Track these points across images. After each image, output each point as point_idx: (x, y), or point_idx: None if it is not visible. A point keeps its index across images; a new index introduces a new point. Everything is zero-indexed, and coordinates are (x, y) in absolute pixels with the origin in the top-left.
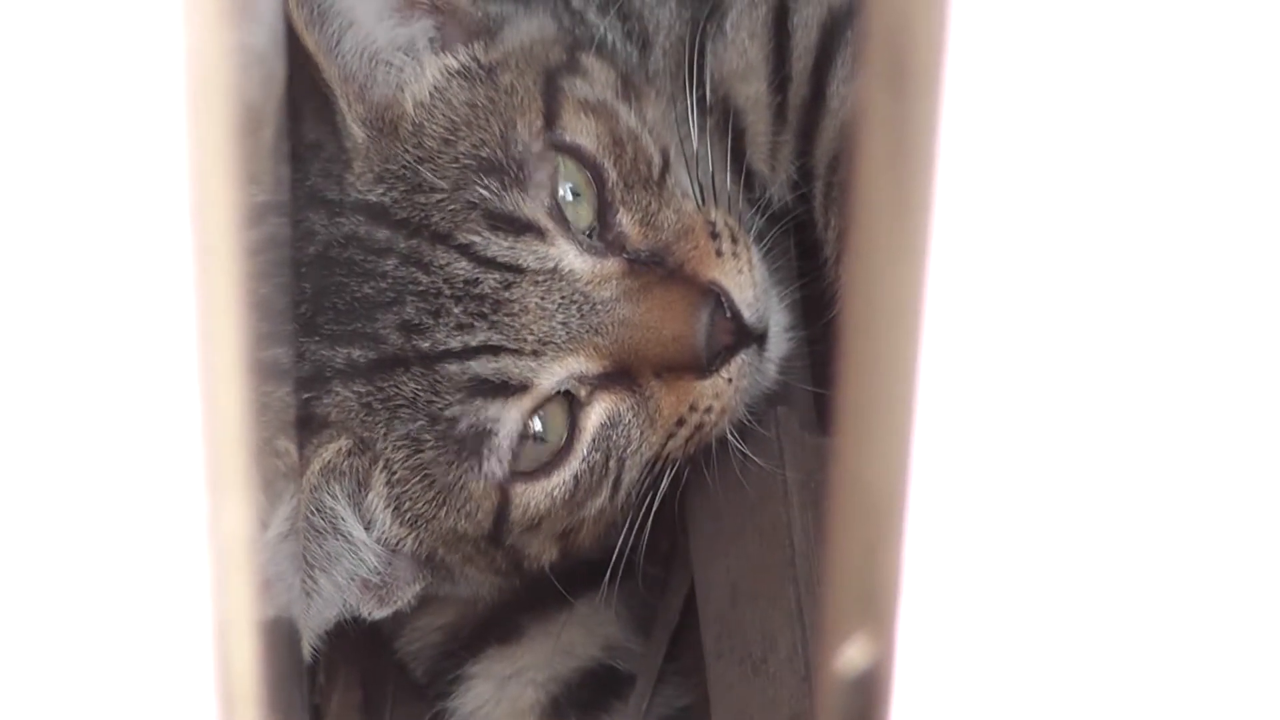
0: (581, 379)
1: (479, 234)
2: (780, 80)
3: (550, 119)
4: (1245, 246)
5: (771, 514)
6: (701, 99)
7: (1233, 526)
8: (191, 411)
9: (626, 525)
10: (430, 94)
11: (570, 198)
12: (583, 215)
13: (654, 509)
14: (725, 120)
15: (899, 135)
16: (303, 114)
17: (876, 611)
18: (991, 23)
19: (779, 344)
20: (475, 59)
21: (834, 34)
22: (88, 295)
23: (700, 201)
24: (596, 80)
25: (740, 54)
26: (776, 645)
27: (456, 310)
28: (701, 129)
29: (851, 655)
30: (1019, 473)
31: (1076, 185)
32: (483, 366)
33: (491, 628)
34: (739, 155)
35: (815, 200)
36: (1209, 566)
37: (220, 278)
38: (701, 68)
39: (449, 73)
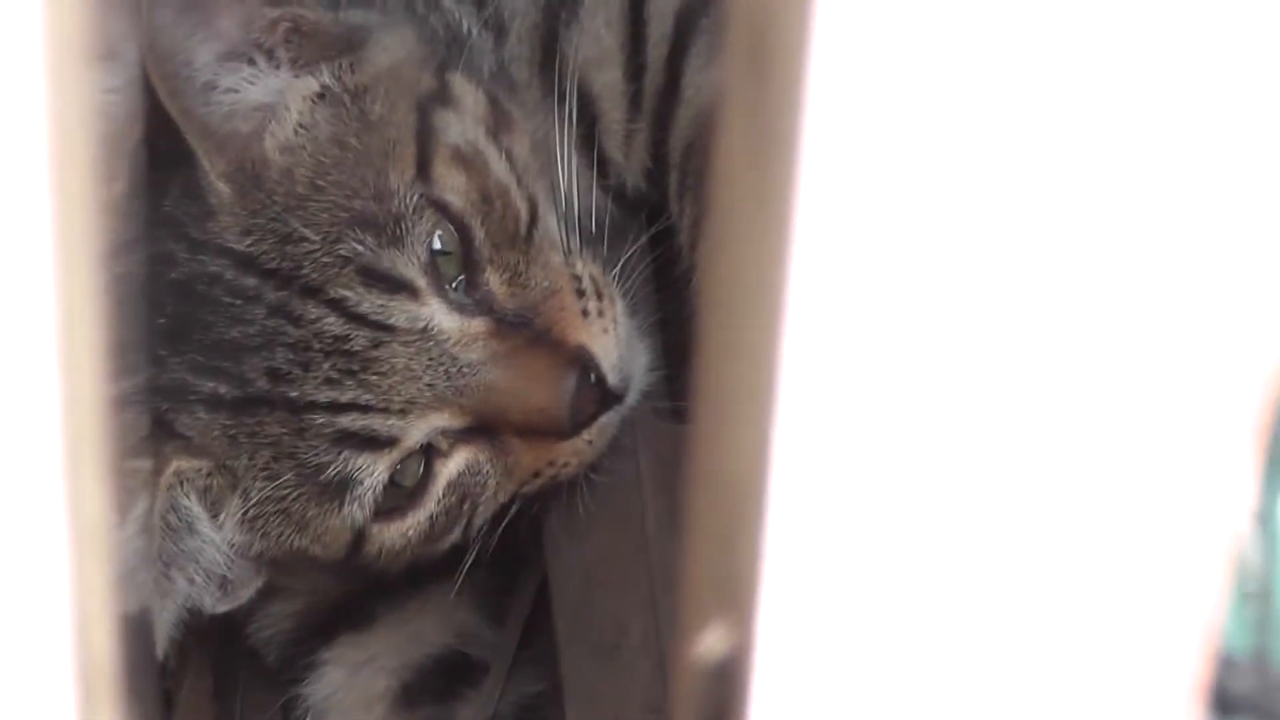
0: (444, 433)
1: (352, 289)
2: (636, 68)
3: (422, 168)
4: (1102, 219)
5: (624, 501)
6: (560, 87)
7: (1084, 507)
8: (52, 398)
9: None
10: (295, 132)
11: (440, 248)
12: (451, 268)
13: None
14: (581, 108)
15: (760, 119)
16: (156, 123)
17: (735, 599)
18: (856, 6)
19: (640, 388)
20: (339, 79)
21: (689, 22)
22: None
23: (567, 250)
24: (467, 112)
25: (595, 41)
26: (629, 632)
27: (325, 365)
28: (567, 136)
29: (710, 643)
30: (881, 459)
31: (946, 166)
32: (350, 422)
33: (343, 615)
34: (593, 143)
35: (670, 188)
36: (1070, 549)
37: (79, 308)
38: (556, 54)
39: (312, 98)
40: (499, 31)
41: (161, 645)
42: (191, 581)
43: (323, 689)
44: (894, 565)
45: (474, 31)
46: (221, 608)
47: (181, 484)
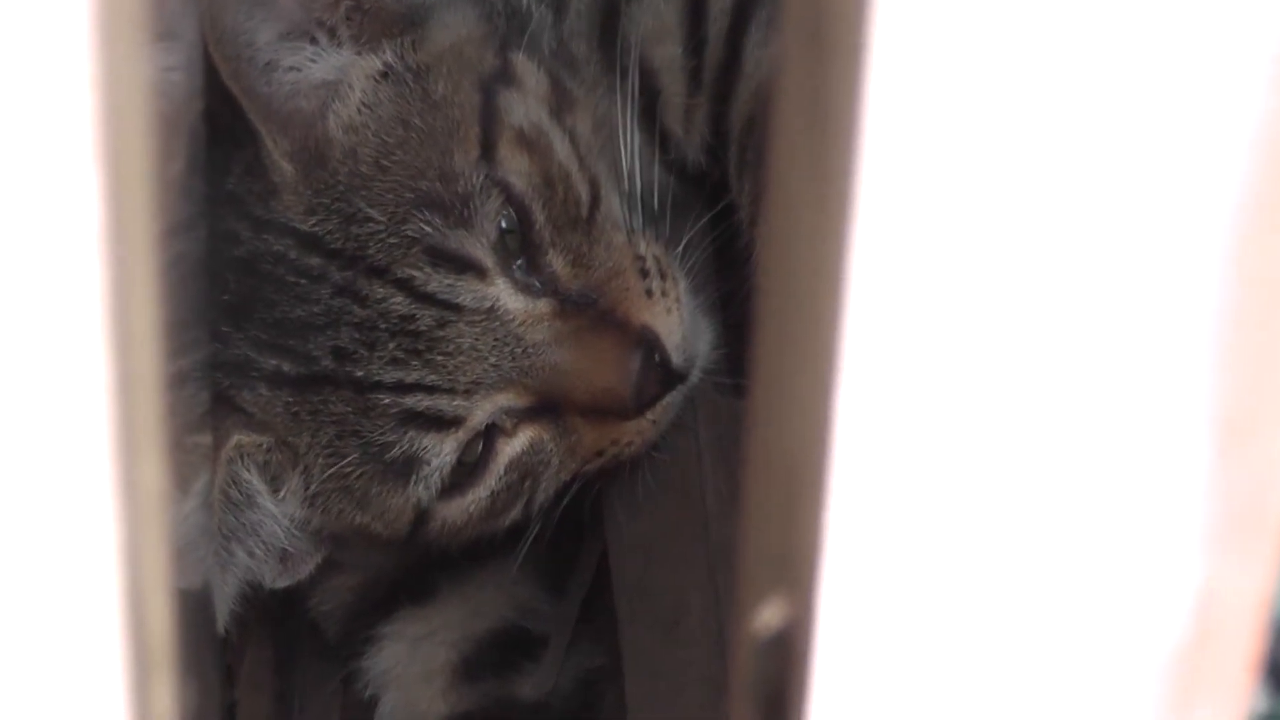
0: (509, 412)
1: (420, 269)
2: (696, 43)
3: (487, 148)
4: (1165, 211)
5: (684, 476)
6: (622, 65)
7: (1138, 494)
8: (104, 375)
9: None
10: (358, 111)
11: (506, 228)
12: (513, 249)
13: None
14: (642, 82)
15: (819, 96)
16: (217, 110)
17: (794, 574)
18: None
19: (703, 365)
20: (401, 58)
21: None
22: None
23: (630, 230)
24: (530, 92)
25: (656, 16)
26: (689, 608)
27: (391, 345)
28: (624, 96)
29: (766, 618)
30: (940, 433)
31: (1006, 144)
32: (416, 402)
33: (404, 588)
34: (654, 117)
35: (730, 163)
36: (1127, 524)
37: (135, 287)
38: (615, 30)
39: (375, 77)
40: (558, 8)
41: (222, 619)
42: (252, 555)
43: (383, 662)
44: (952, 540)
45: (534, 8)
46: (282, 582)
47: (242, 458)
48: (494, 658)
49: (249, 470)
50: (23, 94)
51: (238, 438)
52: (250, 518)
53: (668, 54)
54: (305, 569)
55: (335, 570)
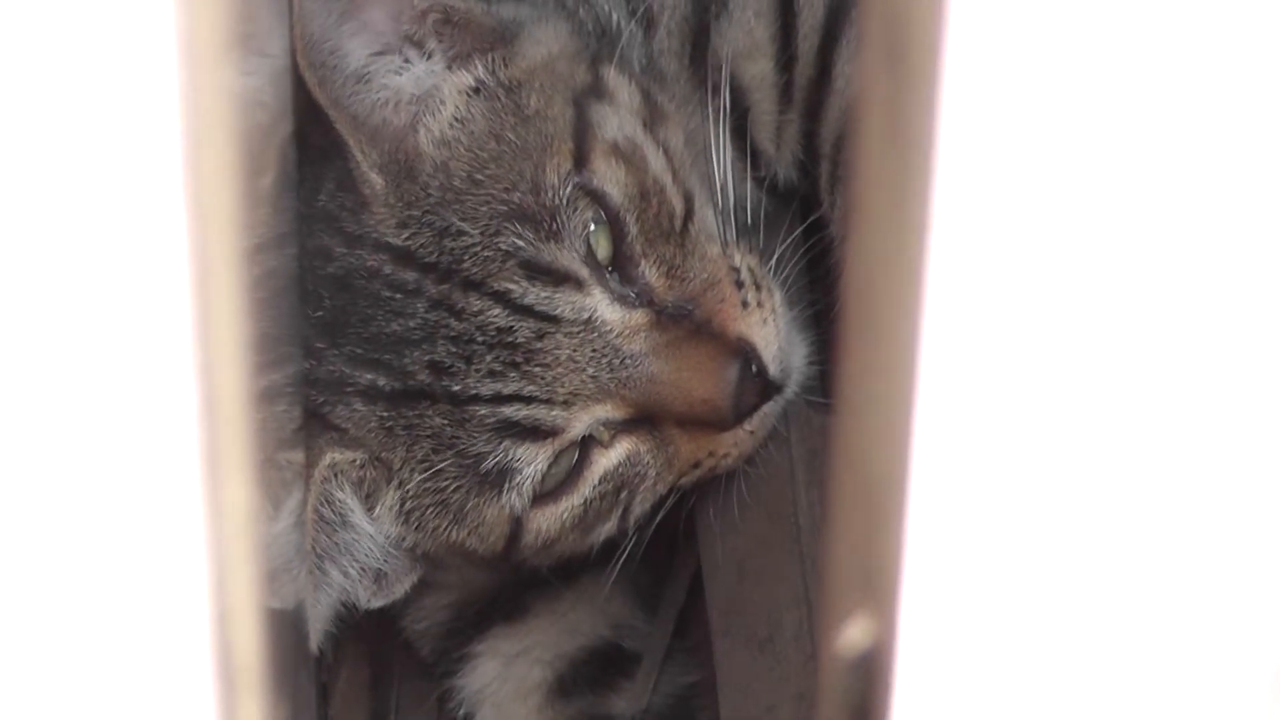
0: (606, 424)
1: (515, 282)
2: (786, 59)
3: (580, 160)
4: (1251, 224)
5: (777, 493)
6: (713, 82)
7: (1230, 512)
8: (190, 398)
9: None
10: (450, 125)
11: (593, 228)
12: (603, 248)
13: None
14: (732, 99)
15: (898, 114)
16: (307, 118)
17: (877, 590)
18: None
19: (799, 379)
20: (494, 74)
21: (840, 13)
22: (85, 311)
23: (724, 242)
24: (622, 106)
25: (746, 33)
26: (782, 624)
27: (489, 358)
28: (714, 113)
29: (852, 635)
30: (1021, 450)
31: (1076, 160)
32: (514, 413)
33: (498, 606)
34: (744, 134)
35: (821, 180)
36: (1217, 550)
37: (218, 305)
38: (705, 47)
39: (467, 93)
40: (648, 25)
41: (316, 639)
42: (346, 575)
43: (477, 680)
44: (1032, 557)
45: (623, 25)
46: (377, 602)
47: (336, 476)
48: (588, 675)
49: (342, 489)
50: (108, 107)
51: (331, 456)
52: (344, 537)
53: (758, 71)
54: (400, 588)
55: (429, 589)
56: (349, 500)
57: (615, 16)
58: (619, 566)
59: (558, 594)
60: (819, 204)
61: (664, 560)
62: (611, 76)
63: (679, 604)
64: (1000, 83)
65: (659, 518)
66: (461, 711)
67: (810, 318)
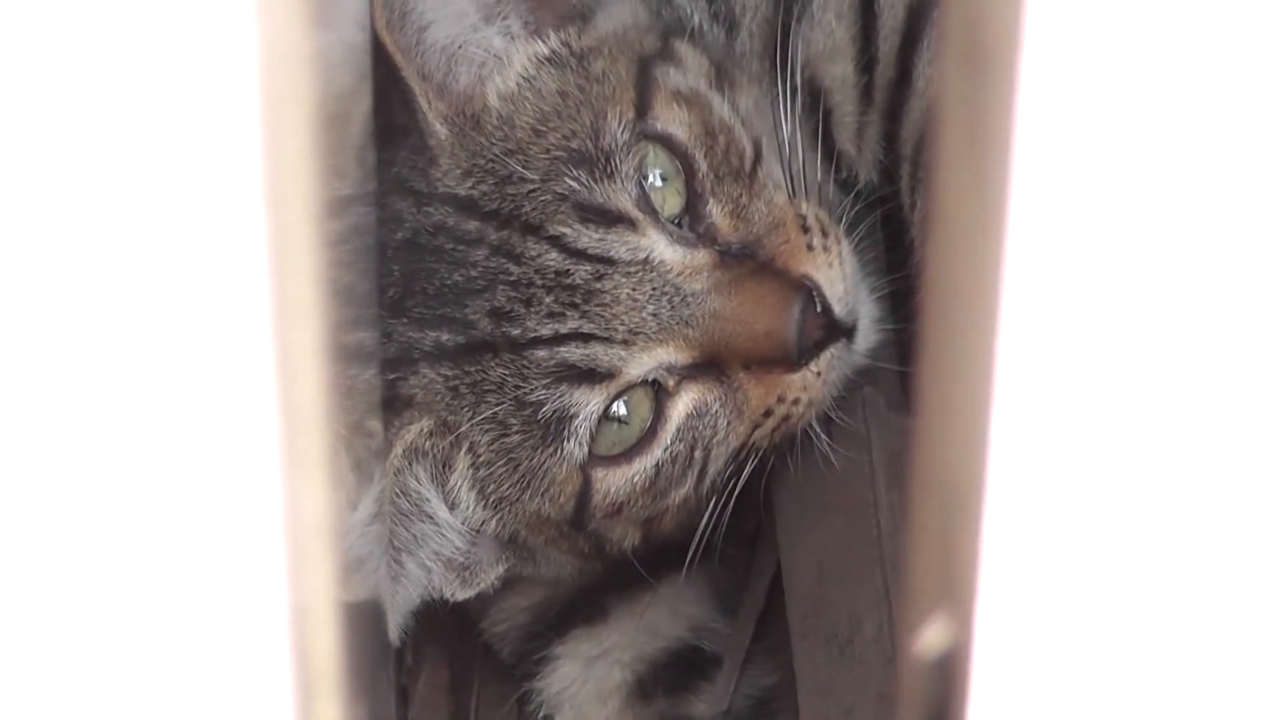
0: (670, 369)
1: (570, 226)
2: (867, 61)
3: (642, 109)
4: None
5: (858, 494)
6: (791, 81)
7: None
8: (268, 394)
9: (710, 509)
10: (517, 84)
11: (659, 184)
12: (670, 203)
13: (737, 493)
14: (812, 101)
15: (977, 116)
16: (390, 99)
17: (956, 593)
18: (1068, 3)
19: (868, 336)
20: (567, 45)
21: (920, 14)
22: (161, 282)
23: (792, 193)
24: (690, 68)
25: (827, 35)
26: (863, 626)
27: (548, 300)
28: (791, 111)
29: (931, 637)
30: (1097, 455)
31: (1154, 164)
32: (571, 352)
33: (577, 608)
34: (825, 136)
35: (902, 181)
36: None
37: (297, 266)
38: (788, 49)
39: (539, 60)
40: (730, 26)
41: (394, 632)
42: (424, 568)
43: (557, 683)
44: (1108, 561)
45: (704, 25)
46: (462, 594)
47: (410, 465)
48: (668, 677)
49: (418, 478)
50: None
51: (403, 440)
52: (420, 529)
53: (839, 72)
54: (485, 579)
55: (509, 591)
56: (425, 490)
57: (697, 17)
58: (699, 570)
59: (636, 596)
60: (900, 206)
61: (744, 562)
62: (681, 46)
63: (759, 606)
64: (1079, 85)
65: (737, 486)
66: (541, 714)
67: (885, 298)
